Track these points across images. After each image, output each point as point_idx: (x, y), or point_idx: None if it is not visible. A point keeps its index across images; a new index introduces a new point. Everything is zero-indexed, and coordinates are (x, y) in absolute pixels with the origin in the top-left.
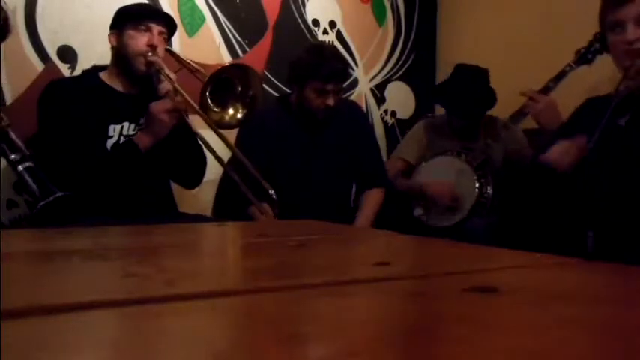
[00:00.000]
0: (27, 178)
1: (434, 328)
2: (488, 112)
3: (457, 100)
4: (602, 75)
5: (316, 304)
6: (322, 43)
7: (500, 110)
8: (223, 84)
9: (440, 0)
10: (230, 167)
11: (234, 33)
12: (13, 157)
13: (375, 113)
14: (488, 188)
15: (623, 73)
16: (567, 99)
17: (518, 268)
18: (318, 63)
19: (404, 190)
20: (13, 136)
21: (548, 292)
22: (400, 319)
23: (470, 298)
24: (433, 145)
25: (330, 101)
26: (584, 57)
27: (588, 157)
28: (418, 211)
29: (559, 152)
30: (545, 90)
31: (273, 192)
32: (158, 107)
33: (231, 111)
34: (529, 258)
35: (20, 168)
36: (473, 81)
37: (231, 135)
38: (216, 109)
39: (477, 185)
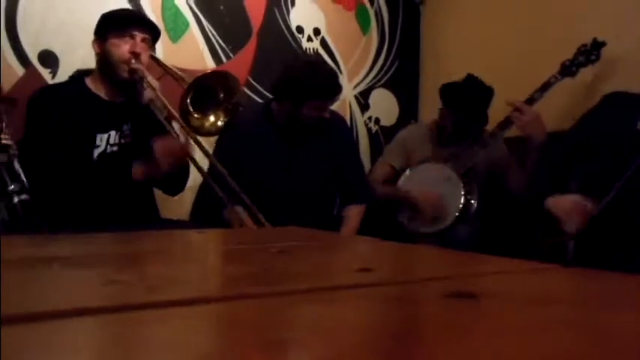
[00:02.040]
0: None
1: (416, 334)
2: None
3: (467, 101)
4: (582, 86)
5: (298, 311)
6: (315, 57)
7: (493, 118)
8: (205, 91)
9: (423, 8)
10: (208, 173)
11: (219, 39)
12: (12, 187)
13: (359, 120)
14: (474, 196)
15: None
16: (549, 108)
17: (498, 274)
18: (319, 83)
19: (390, 197)
20: (16, 166)
21: (528, 297)
22: (383, 325)
23: (451, 304)
24: (419, 151)
25: (326, 114)
26: (568, 69)
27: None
28: (403, 217)
29: (569, 210)
30: (531, 100)
31: (249, 201)
32: (162, 151)
33: (212, 118)
34: (509, 264)
35: (16, 199)
36: (482, 88)
37: (210, 141)
38: (197, 116)
39: (463, 193)
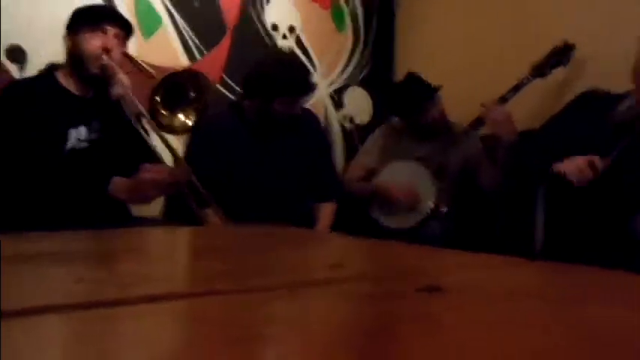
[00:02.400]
0: None
1: (387, 328)
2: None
3: (399, 102)
4: (553, 86)
5: (270, 307)
6: (286, 53)
7: (460, 117)
8: (176, 89)
9: (398, 8)
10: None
11: (192, 36)
12: None
13: (334, 118)
14: (446, 193)
15: None
16: (520, 108)
17: (466, 269)
18: (290, 78)
19: (364, 193)
20: None
21: (495, 291)
22: (354, 319)
23: (420, 298)
24: (393, 149)
25: (297, 110)
26: (539, 70)
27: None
28: (377, 214)
29: (575, 168)
30: (503, 100)
31: (214, 201)
32: (149, 180)
33: (181, 117)
34: (478, 259)
35: None
36: (410, 82)
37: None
38: (166, 114)
39: (435, 189)
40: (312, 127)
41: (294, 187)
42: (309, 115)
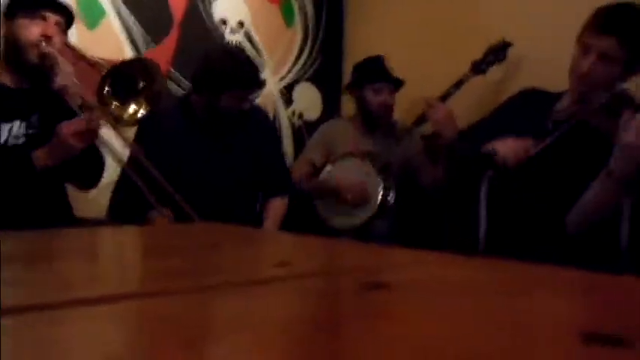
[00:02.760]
0: None
1: (334, 324)
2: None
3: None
4: (492, 84)
5: (217, 306)
6: (234, 47)
7: (408, 114)
8: (125, 79)
9: (347, 3)
10: (129, 168)
11: (139, 28)
12: None
13: (283, 114)
14: (391, 190)
15: (577, 97)
16: (462, 104)
17: (410, 265)
18: (237, 72)
19: (312, 190)
20: None
21: (438, 287)
22: (302, 315)
23: (366, 294)
24: (340, 146)
25: (246, 106)
26: (479, 68)
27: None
28: (324, 213)
29: (507, 147)
30: (446, 96)
31: (177, 195)
32: (69, 129)
33: (132, 107)
34: (421, 255)
35: None
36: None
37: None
38: (116, 105)
39: (381, 187)
40: (261, 122)
41: (244, 183)
42: (258, 111)
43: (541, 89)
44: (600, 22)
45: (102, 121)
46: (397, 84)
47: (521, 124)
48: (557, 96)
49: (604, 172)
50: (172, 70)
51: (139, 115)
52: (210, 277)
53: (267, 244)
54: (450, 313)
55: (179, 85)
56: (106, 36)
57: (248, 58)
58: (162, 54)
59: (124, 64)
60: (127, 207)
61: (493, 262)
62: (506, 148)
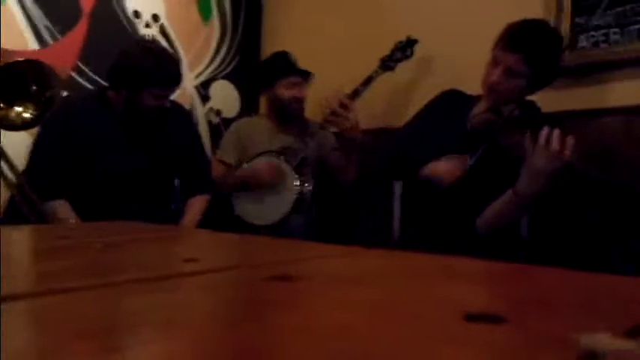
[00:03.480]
0: None
1: (238, 316)
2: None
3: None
4: (402, 84)
5: (121, 301)
6: (153, 42)
7: (322, 110)
8: (15, 80)
9: (265, 2)
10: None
11: (43, 17)
12: None
13: (200, 112)
14: (307, 186)
15: (489, 104)
16: (372, 106)
17: (318, 259)
18: (159, 70)
19: (229, 187)
20: None
21: (341, 278)
22: (206, 309)
23: (272, 286)
24: (254, 144)
25: (167, 103)
26: (387, 64)
27: None
28: (242, 210)
29: (445, 169)
30: (355, 94)
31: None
32: None
33: (18, 110)
34: (330, 249)
35: None
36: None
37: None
38: (1, 107)
39: (297, 184)
40: (181, 119)
41: (163, 181)
42: (179, 108)
43: (460, 91)
44: (509, 39)
45: None
46: (306, 76)
47: (444, 125)
48: (475, 99)
49: (510, 190)
50: (80, 64)
51: (24, 118)
52: (112, 274)
53: (178, 241)
54: (349, 303)
55: (88, 80)
56: (5, 25)
57: (169, 55)
58: (70, 46)
59: (15, 65)
60: (22, 207)
61: (397, 254)
62: (441, 171)
